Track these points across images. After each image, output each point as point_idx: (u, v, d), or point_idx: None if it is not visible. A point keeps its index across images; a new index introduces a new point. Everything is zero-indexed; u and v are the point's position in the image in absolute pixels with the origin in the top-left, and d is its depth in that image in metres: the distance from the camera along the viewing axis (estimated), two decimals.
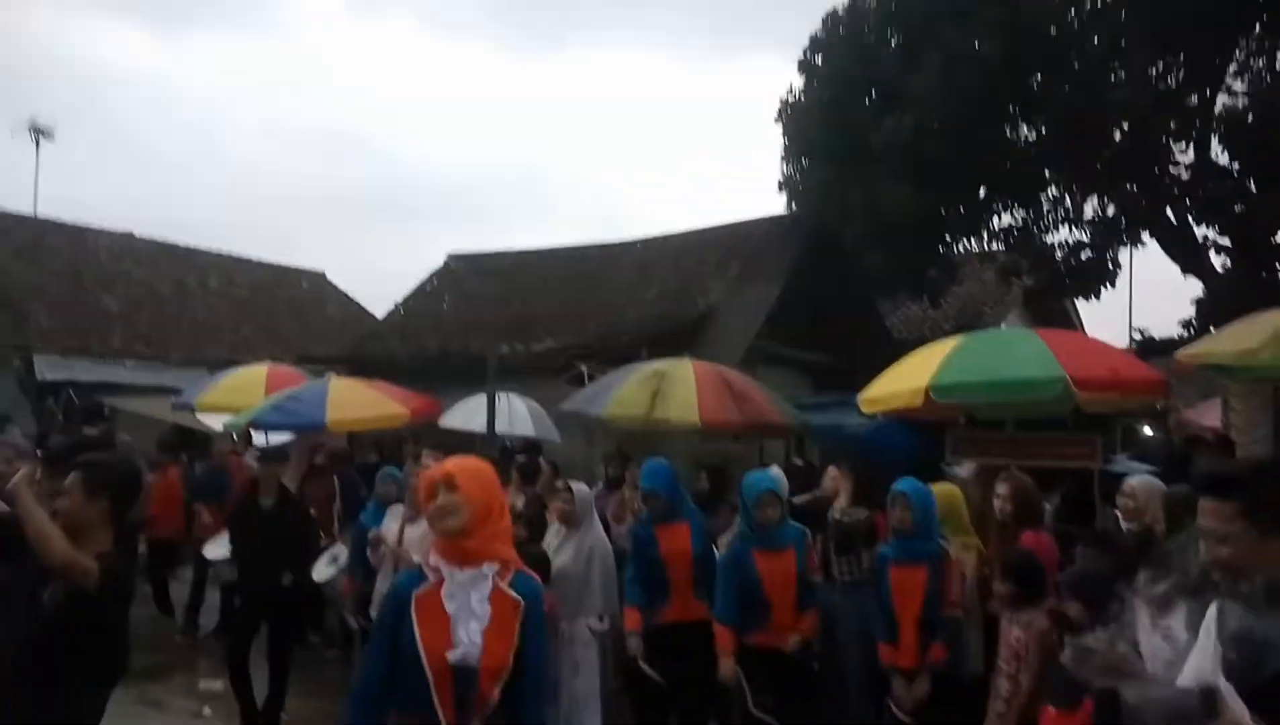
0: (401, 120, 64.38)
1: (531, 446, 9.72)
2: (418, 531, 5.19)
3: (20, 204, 19.57)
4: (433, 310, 14.89)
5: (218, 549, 8.14)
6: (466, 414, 9.80)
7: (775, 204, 16.14)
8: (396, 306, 15.57)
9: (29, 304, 15.87)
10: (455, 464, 2.69)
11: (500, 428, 9.42)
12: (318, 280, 22.65)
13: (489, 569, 2.59)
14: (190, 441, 11.31)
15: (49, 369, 14.69)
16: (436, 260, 16.34)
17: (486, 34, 69.95)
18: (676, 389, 6.99)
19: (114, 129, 51.28)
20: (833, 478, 6.10)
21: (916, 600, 4.43)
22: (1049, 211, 12.89)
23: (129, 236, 19.52)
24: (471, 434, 9.46)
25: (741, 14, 70.02)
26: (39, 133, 21.53)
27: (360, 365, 12.34)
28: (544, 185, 64.67)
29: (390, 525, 5.75)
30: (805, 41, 12.81)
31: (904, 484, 4.55)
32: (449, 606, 2.53)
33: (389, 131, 62.94)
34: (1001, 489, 4.97)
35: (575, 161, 69.13)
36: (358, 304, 22.28)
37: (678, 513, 5.10)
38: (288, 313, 20.37)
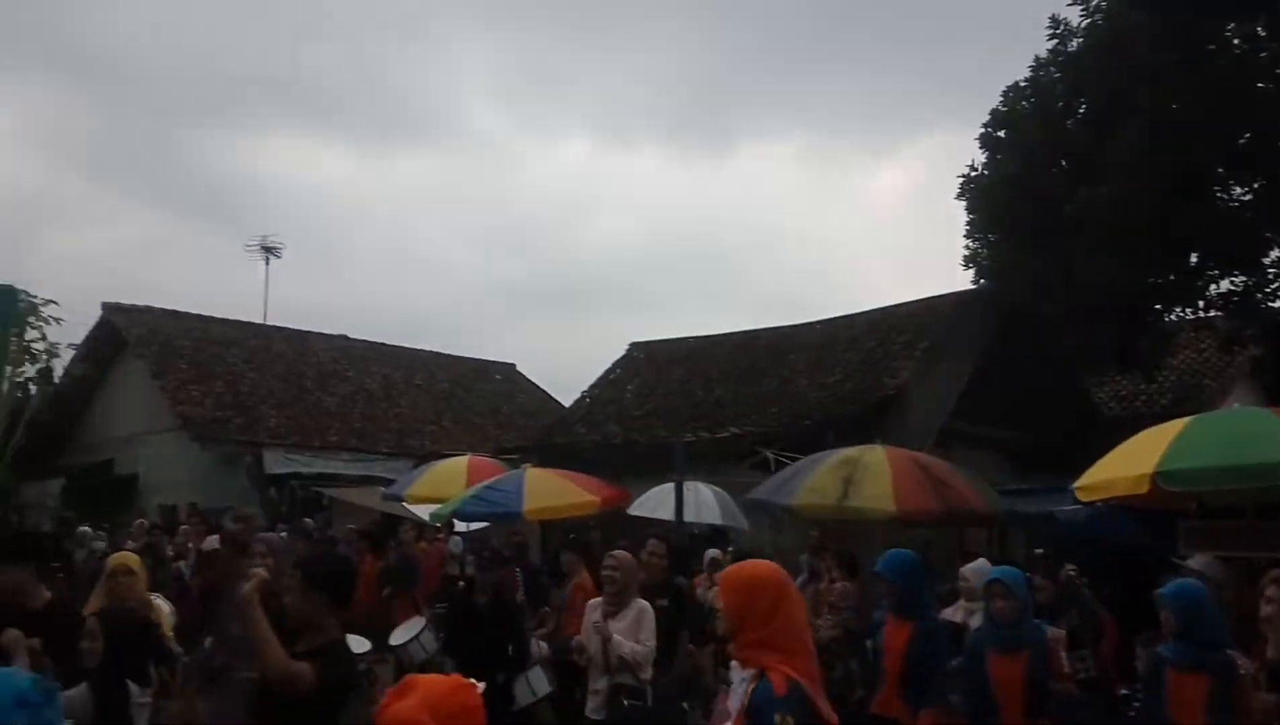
0: (581, 220, 67.71)
1: (719, 535, 9.70)
2: (621, 624, 5.22)
3: (252, 314, 21.93)
4: (617, 398, 15.28)
5: (404, 634, 8.71)
6: (654, 502, 9.93)
7: (955, 281, 15.66)
8: (583, 396, 16.09)
9: (259, 404, 17.56)
10: (726, 571, 2.94)
11: (688, 515, 9.48)
12: (509, 372, 23.83)
13: (743, 675, 2.66)
14: (396, 530, 12.02)
15: (275, 463, 16.09)
16: (620, 348, 16.87)
17: (657, 140, 73.06)
18: (870, 476, 6.82)
19: (327, 242, 56.71)
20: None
21: (1195, 713, 3.93)
22: (1272, 275, 11.81)
23: (343, 338, 21.39)
24: (660, 522, 9.58)
25: (899, 99, 69.68)
26: (268, 251, 24.22)
27: (550, 454, 12.78)
28: (720, 273, 65.76)
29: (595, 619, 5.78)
30: (981, 116, 12.54)
31: (1169, 589, 4.16)
32: (729, 703, 2.73)
33: (570, 230, 66.30)
34: (1273, 591, 4.41)
35: (748, 248, 69.95)
36: (546, 393, 23.20)
37: (908, 609, 4.90)
38: (483, 404, 21.47)
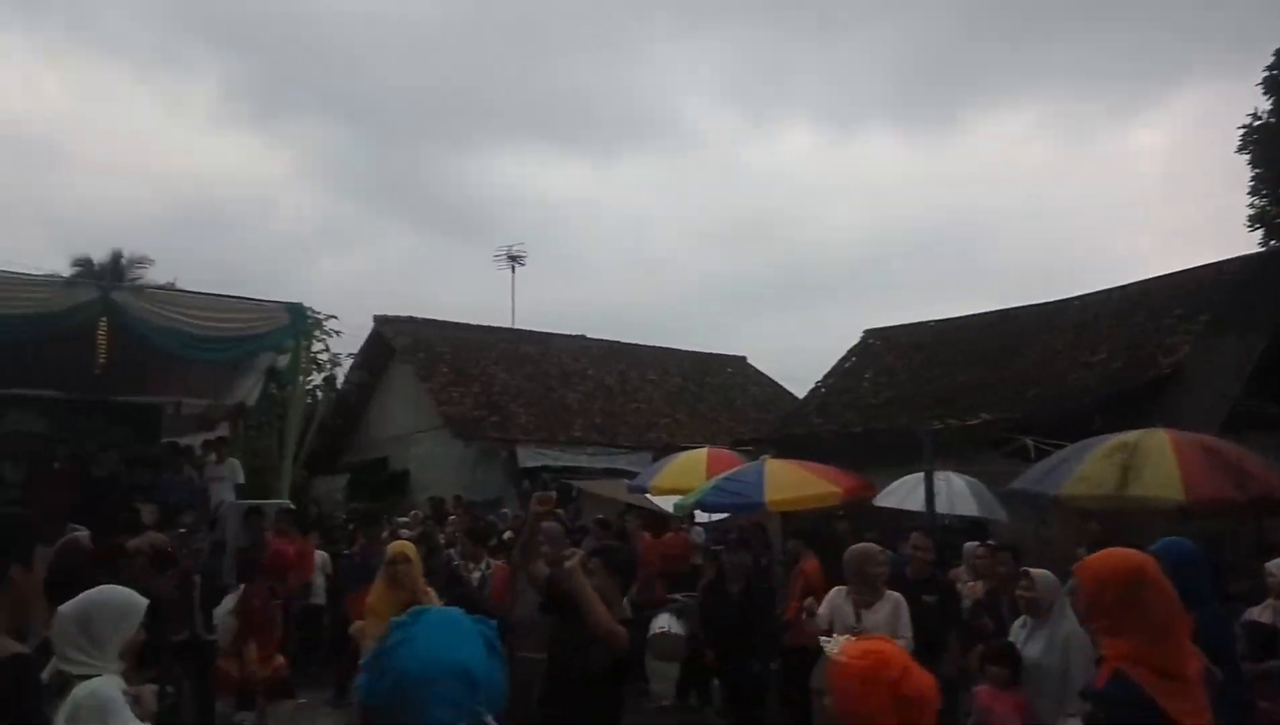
0: (809, 210, 66.68)
1: (976, 527, 9.19)
2: (877, 617, 5.06)
3: (502, 319, 23.42)
4: (853, 387, 14.88)
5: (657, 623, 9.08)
6: (903, 492, 9.56)
7: (1235, 244, 13.85)
8: (817, 386, 15.80)
9: (510, 403, 18.71)
10: (1084, 560, 2.96)
11: (940, 507, 9.04)
12: (740, 365, 23.89)
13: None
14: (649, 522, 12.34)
15: (527, 458, 17.09)
16: (851, 337, 16.42)
17: (882, 123, 70.46)
18: (1152, 462, 6.17)
19: (566, 248, 59.59)
20: None
21: None
22: None
23: (582, 338, 22.35)
24: (908, 513, 9.21)
25: (1146, 56, 62.71)
26: (514, 260, 25.78)
27: (787, 445, 12.65)
28: (956, 255, 62.44)
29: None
30: (1253, 62, 11.05)
31: None
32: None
33: (796, 220, 65.47)
34: None
35: (986, 227, 65.93)
36: (778, 385, 23.05)
37: (1184, 602, 4.36)
38: (715, 397, 21.67)
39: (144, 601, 3.08)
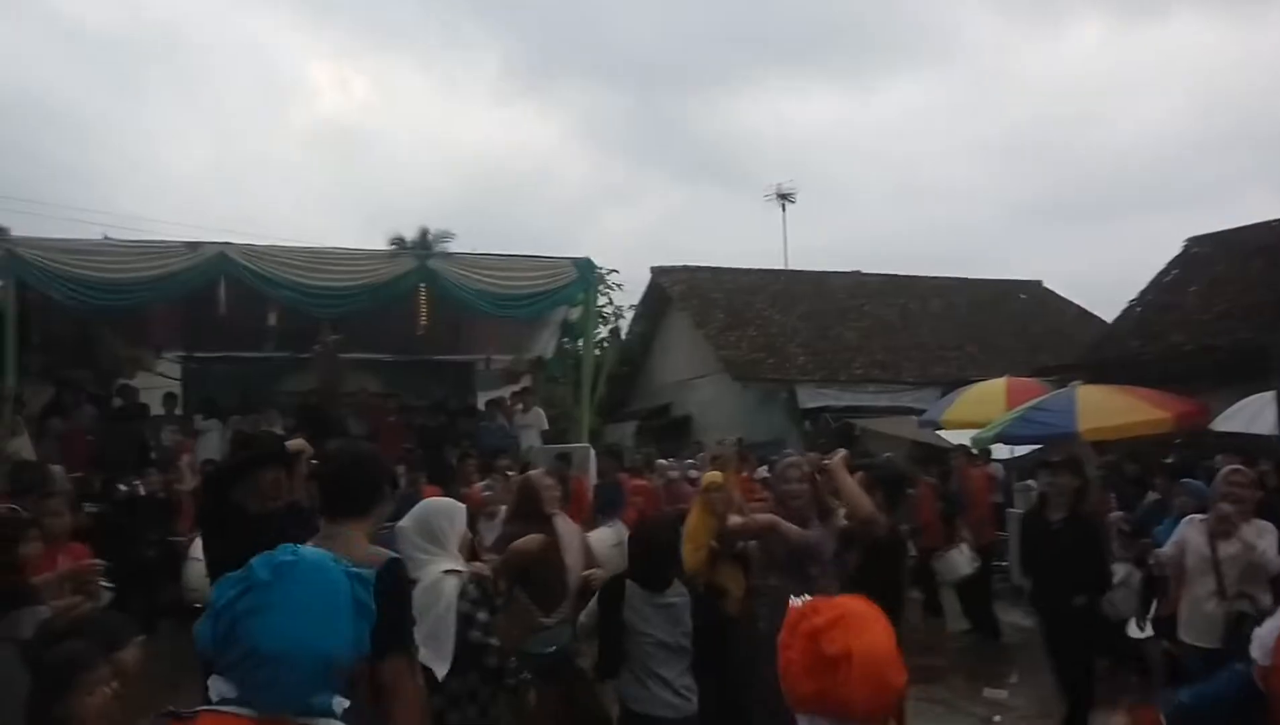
0: (1103, 111, 59.78)
1: None
2: (1234, 548, 4.49)
3: (774, 261, 23.28)
4: (1177, 302, 13.26)
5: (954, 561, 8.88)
6: (1248, 415, 8.43)
7: None
8: (1131, 305, 14.26)
9: (787, 344, 18.62)
10: None
11: None
12: (1035, 290, 22.12)
13: None
14: (931, 458, 11.88)
15: (807, 398, 16.96)
16: (1168, 250, 14.57)
17: (1185, 2, 61.28)
18: None
19: (835, 183, 57.97)
20: None
21: None
22: None
23: (858, 274, 21.71)
24: (1258, 438, 8.11)
25: None
26: (784, 197, 25.44)
27: (1098, 371, 11.54)
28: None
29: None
30: None
31: None
32: None
33: (1085, 125, 58.97)
34: None
35: None
36: (1081, 308, 21.10)
37: None
38: (1008, 326, 20.23)
39: (461, 506, 3.70)
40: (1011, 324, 20.38)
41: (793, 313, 19.72)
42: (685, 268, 20.80)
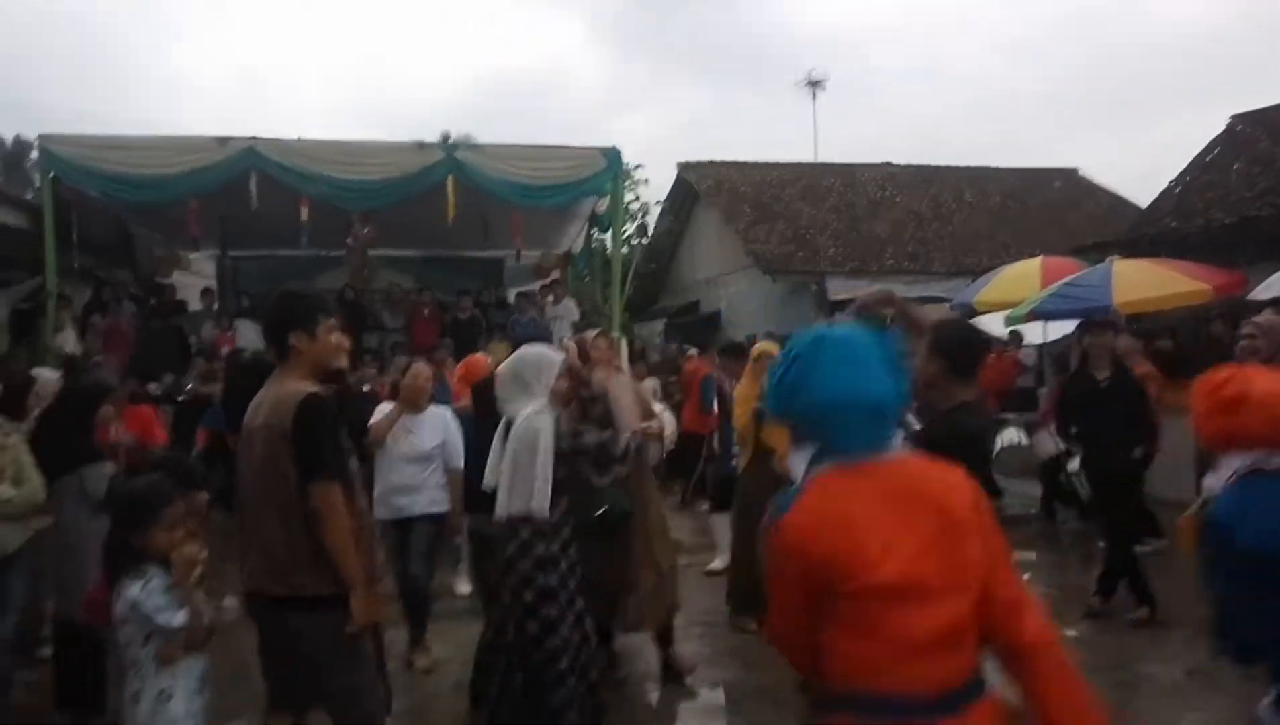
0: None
1: None
2: None
3: (803, 155, 22.85)
4: (1219, 181, 12.91)
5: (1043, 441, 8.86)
6: None
7: None
8: (1171, 185, 13.90)
9: (817, 236, 18.44)
10: None
11: None
12: (1070, 177, 21.62)
13: None
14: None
15: (837, 290, 16.83)
16: (1206, 132, 14.12)
17: None
18: None
19: (865, 76, 56.30)
20: None
21: None
22: None
23: (887, 166, 21.29)
24: None
25: None
26: (814, 84, 24.68)
27: (1135, 247, 11.34)
28: None
29: None
30: None
31: None
32: None
33: (1121, 11, 56.51)
34: None
35: None
36: (1117, 196, 20.63)
37: None
38: (1042, 214, 19.84)
39: (560, 356, 4.01)
40: (1046, 213, 19.99)
41: (822, 206, 19.46)
42: (712, 163, 20.50)
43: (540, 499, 3.51)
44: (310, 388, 2.97)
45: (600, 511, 4.50)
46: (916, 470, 1.86)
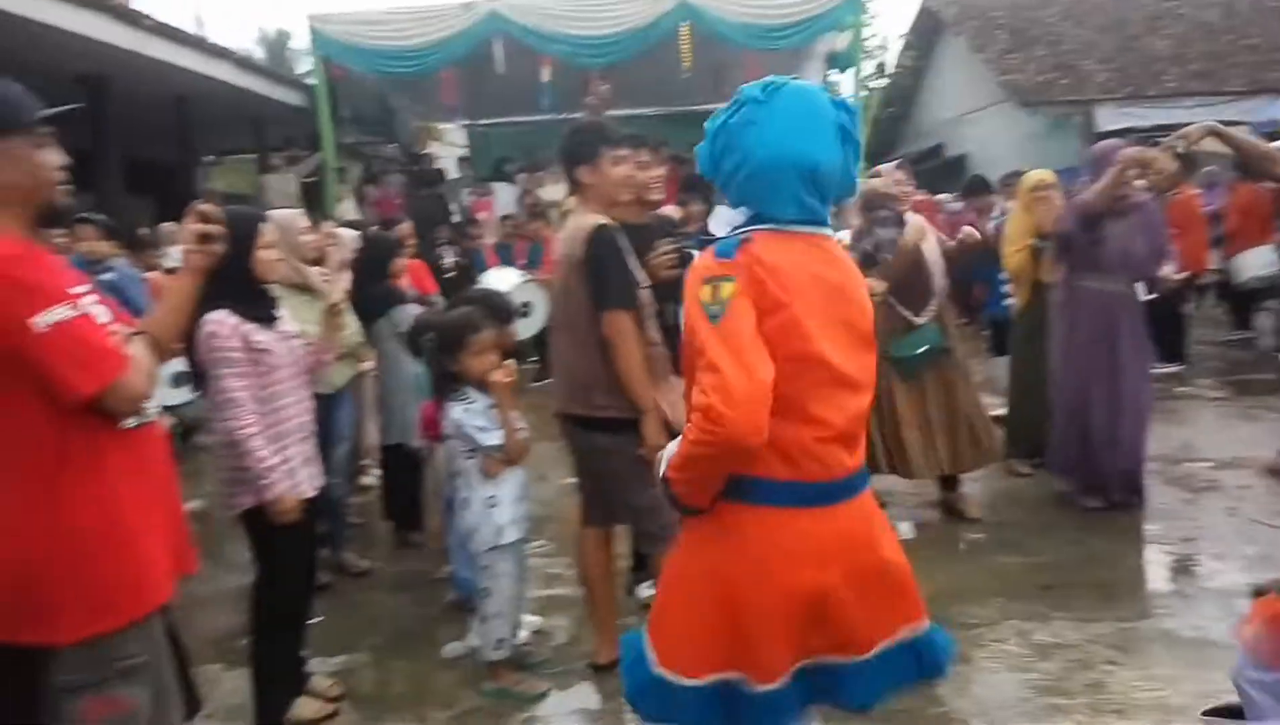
0: None
1: None
2: None
3: None
4: None
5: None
6: None
7: None
8: None
9: (1083, 61, 16.49)
10: None
11: None
12: None
13: None
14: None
15: (1108, 120, 15.08)
16: None
17: None
18: None
19: None
20: None
21: None
22: None
23: None
24: None
25: None
26: None
27: None
28: None
29: None
30: None
31: None
32: None
33: None
34: None
35: None
36: None
37: None
38: None
39: None
40: None
41: (1089, 25, 17.31)
42: None
43: None
44: (600, 219, 3.06)
45: (922, 348, 4.53)
46: (841, 258, 1.82)
